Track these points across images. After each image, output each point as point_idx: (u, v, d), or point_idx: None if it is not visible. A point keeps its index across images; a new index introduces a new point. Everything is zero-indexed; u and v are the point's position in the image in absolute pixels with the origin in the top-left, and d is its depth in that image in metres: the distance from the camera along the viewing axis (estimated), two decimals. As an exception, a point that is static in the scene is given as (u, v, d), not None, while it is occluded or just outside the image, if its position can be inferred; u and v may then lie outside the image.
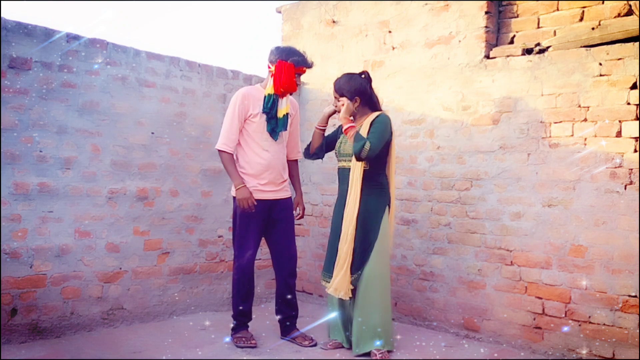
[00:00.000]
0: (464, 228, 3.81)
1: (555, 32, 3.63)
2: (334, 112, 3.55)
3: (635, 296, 3.08)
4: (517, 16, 3.83)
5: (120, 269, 3.79)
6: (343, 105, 3.39)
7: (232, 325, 3.55)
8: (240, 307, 3.49)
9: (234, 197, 3.50)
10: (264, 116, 3.44)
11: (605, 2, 3.46)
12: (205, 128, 4.26)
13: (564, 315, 3.33)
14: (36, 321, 3.38)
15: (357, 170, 3.31)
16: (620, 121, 3.18)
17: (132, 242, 3.84)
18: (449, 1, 3.95)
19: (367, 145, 3.18)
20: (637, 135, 3.11)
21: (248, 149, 3.46)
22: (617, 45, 3.22)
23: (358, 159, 3.23)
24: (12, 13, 4.75)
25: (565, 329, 3.31)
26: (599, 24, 3.41)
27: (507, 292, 3.58)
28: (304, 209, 3.77)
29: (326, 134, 3.67)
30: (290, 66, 3.38)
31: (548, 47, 3.53)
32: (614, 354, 3.14)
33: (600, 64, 3.25)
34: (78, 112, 3.57)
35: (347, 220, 3.31)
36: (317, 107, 4.69)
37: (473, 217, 3.77)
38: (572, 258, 3.32)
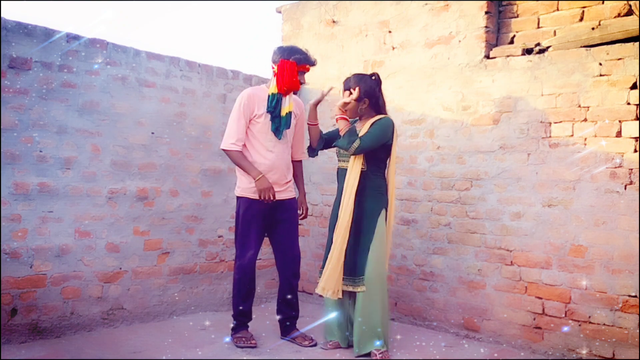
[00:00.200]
0: (464, 228, 3.81)
1: (555, 32, 3.63)
2: (320, 101, 3.52)
3: (635, 296, 3.08)
4: (517, 16, 3.83)
5: (120, 269, 3.79)
6: (350, 95, 3.38)
7: (232, 325, 3.55)
8: (241, 307, 3.49)
9: (237, 197, 3.50)
10: (269, 116, 3.44)
11: (605, 2, 3.46)
12: (205, 128, 4.26)
13: (564, 315, 3.33)
14: (36, 321, 3.38)
15: (354, 171, 3.31)
16: (620, 121, 3.18)
17: (132, 242, 3.84)
18: (449, 1, 3.95)
19: (357, 143, 3.20)
20: (637, 135, 3.12)
21: (252, 150, 3.46)
22: (617, 45, 3.22)
23: (349, 148, 3.26)
24: (12, 13, 4.75)
25: (565, 329, 3.31)
26: (599, 24, 3.41)
27: (507, 292, 3.58)
28: (307, 209, 3.78)
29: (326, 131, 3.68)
30: (292, 64, 3.38)
31: (548, 47, 3.53)
32: (614, 354, 3.14)
33: (600, 64, 3.25)
34: (78, 112, 3.57)
35: (341, 220, 3.31)
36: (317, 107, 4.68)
37: (473, 217, 3.77)
38: (572, 258, 3.32)
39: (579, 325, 3.27)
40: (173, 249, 4.08)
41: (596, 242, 3.24)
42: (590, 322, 3.23)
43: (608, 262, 3.19)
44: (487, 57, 3.78)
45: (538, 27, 3.73)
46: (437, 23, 4.01)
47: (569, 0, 3.60)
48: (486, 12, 3.79)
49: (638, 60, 3.11)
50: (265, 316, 4.09)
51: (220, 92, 4.35)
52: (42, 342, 3.35)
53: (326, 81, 4.62)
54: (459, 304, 3.80)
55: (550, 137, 3.44)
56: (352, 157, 3.32)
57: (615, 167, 3.18)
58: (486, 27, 3.79)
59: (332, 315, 3.44)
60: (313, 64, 3.51)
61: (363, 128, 3.34)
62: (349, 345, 3.45)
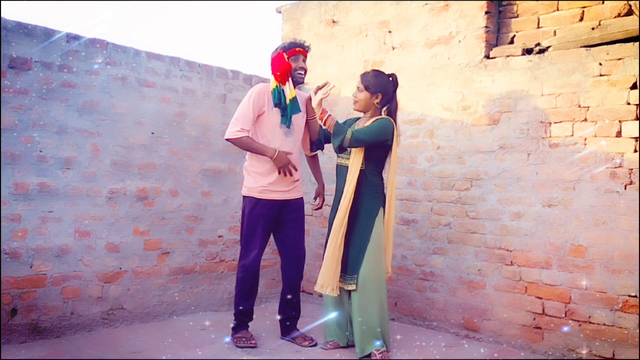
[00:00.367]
0: (464, 228, 3.81)
1: (555, 32, 3.63)
2: (321, 99, 3.45)
3: (635, 296, 3.08)
4: (517, 16, 3.83)
5: (120, 269, 3.79)
6: (360, 93, 3.39)
7: (232, 324, 3.55)
8: (242, 306, 3.49)
9: (244, 196, 3.50)
10: (276, 112, 3.44)
11: (605, 2, 3.46)
12: (205, 128, 4.26)
13: (564, 315, 3.34)
14: (36, 321, 3.38)
15: (353, 169, 3.31)
16: (620, 121, 3.18)
17: (132, 242, 3.84)
18: (449, 1, 3.95)
19: (348, 134, 3.20)
20: (637, 135, 3.12)
21: None
22: (617, 45, 3.22)
23: (340, 149, 3.26)
24: (12, 13, 4.75)
25: (565, 329, 3.31)
26: (599, 24, 3.41)
27: (507, 292, 3.58)
28: (323, 200, 3.78)
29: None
30: (279, 53, 3.43)
31: (548, 47, 3.53)
32: (614, 354, 3.14)
33: (600, 64, 3.25)
34: (78, 112, 3.57)
35: (338, 218, 3.31)
36: (317, 107, 4.68)
37: (473, 217, 3.77)
38: (572, 258, 3.32)
39: (579, 325, 3.27)
40: (173, 249, 4.08)
41: (596, 242, 3.24)
42: (590, 322, 3.23)
43: (608, 262, 3.19)
44: (487, 57, 3.78)
45: (538, 27, 3.73)
46: (437, 23, 4.01)
47: (569, 0, 3.60)
48: (486, 12, 3.79)
49: (638, 60, 3.11)
50: (265, 316, 4.10)
51: (220, 92, 4.36)
52: (42, 342, 3.35)
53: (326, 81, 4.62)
54: (459, 304, 3.80)
55: (550, 137, 3.44)
56: (353, 155, 3.32)
57: (615, 167, 3.18)
58: (486, 27, 3.79)
59: (332, 315, 3.44)
60: (301, 45, 3.51)
61: (365, 124, 3.35)
62: (349, 345, 3.45)
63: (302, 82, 3.55)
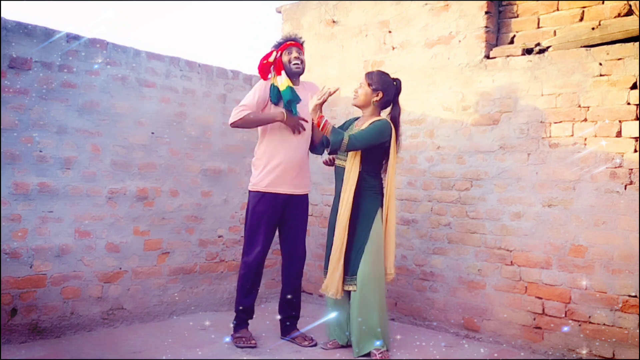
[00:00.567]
0: (464, 228, 3.81)
1: (555, 32, 3.63)
2: (324, 101, 3.39)
3: (635, 296, 3.08)
4: (517, 16, 3.83)
5: (120, 269, 3.79)
6: (361, 88, 3.39)
7: (233, 322, 3.55)
8: (242, 303, 3.49)
9: (250, 191, 3.51)
10: (279, 107, 3.45)
11: (605, 2, 3.46)
12: (205, 128, 4.26)
13: (564, 315, 3.33)
14: (36, 321, 3.38)
15: (353, 172, 3.30)
16: (620, 121, 3.18)
17: (132, 242, 3.84)
18: (449, 1, 3.95)
19: (346, 139, 3.18)
20: (637, 135, 3.12)
21: (267, 143, 3.46)
22: (617, 45, 3.22)
23: (332, 151, 3.26)
24: (12, 13, 4.75)
25: (565, 329, 3.31)
26: (599, 24, 3.41)
27: (507, 292, 3.58)
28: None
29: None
30: (268, 53, 3.47)
31: (548, 47, 3.53)
32: (614, 354, 3.14)
33: (600, 64, 3.25)
34: (78, 112, 3.57)
35: (339, 221, 3.31)
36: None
37: (473, 217, 3.77)
38: (572, 258, 3.32)
39: (579, 325, 3.27)
40: (173, 249, 4.08)
41: (596, 242, 3.23)
42: (590, 322, 3.23)
43: (608, 262, 3.19)
44: (487, 57, 3.78)
45: (538, 27, 3.73)
46: (437, 23, 4.01)
47: (569, 0, 3.60)
48: (486, 12, 3.79)
49: (638, 60, 3.11)
50: (265, 316, 4.09)
51: (220, 92, 4.36)
52: (42, 342, 3.35)
53: (326, 81, 4.62)
54: (459, 304, 3.80)
55: (550, 137, 3.44)
56: (350, 157, 3.32)
57: (615, 167, 3.18)
58: (486, 27, 3.79)
59: (333, 314, 3.45)
60: (292, 39, 3.53)
61: (362, 126, 3.35)
62: (349, 344, 3.45)
63: (301, 72, 3.55)
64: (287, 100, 3.39)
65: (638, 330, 3.06)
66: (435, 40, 4.02)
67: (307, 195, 3.62)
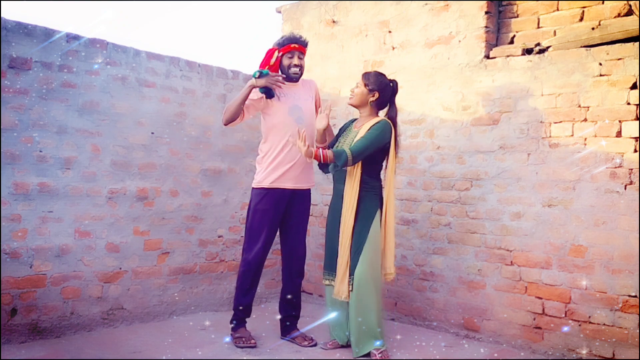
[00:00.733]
0: (464, 228, 3.81)
1: (555, 32, 3.63)
2: (327, 125, 3.45)
3: (635, 296, 3.08)
4: (517, 16, 3.83)
5: (120, 269, 3.79)
6: (357, 88, 3.41)
7: (231, 322, 3.55)
8: (240, 301, 3.50)
9: (254, 188, 3.51)
10: (281, 103, 3.45)
11: (605, 2, 3.46)
12: (205, 128, 4.26)
13: (564, 315, 3.33)
14: (36, 321, 3.38)
15: (355, 175, 3.30)
16: (620, 121, 3.18)
17: (132, 242, 3.84)
18: (449, 1, 3.95)
19: (349, 156, 3.17)
20: (637, 135, 3.11)
21: (271, 140, 3.47)
22: (617, 45, 3.22)
23: (345, 166, 3.23)
24: (12, 13, 4.75)
25: (565, 329, 3.31)
26: (599, 24, 3.41)
27: (507, 292, 3.58)
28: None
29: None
30: (271, 51, 3.42)
31: (548, 47, 3.53)
32: (614, 354, 3.14)
33: (600, 64, 3.25)
34: (78, 112, 3.57)
35: (345, 226, 3.31)
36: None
37: (473, 217, 3.77)
38: (572, 258, 3.32)
39: (579, 325, 3.27)
40: (173, 249, 4.08)
41: (596, 242, 3.23)
42: (590, 322, 3.23)
43: (608, 262, 3.19)
44: (487, 57, 3.78)
45: (538, 27, 3.73)
46: (437, 23, 4.01)
47: (569, 0, 3.60)
48: (486, 12, 3.79)
49: (638, 60, 3.11)
50: (265, 316, 4.10)
51: (220, 92, 4.35)
52: (42, 342, 3.35)
53: (326, 81, 4.63)
54: (459, 304, 3.80)
55: (550, 137, 3.44)
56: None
57: (615, 167, 3.18)
58: (486, 27, 3.79)
59: (332, 314, 3.45)
60: (296, 40, 3.47)
61: (362, 130, 3.34)
62: (348, 344, 3.45)
63: (297, 80, 3.54)
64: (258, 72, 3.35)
65: (638, 330, 3.06)
66: (435, 40, 4.02)
67: (310, 190, 3.62)
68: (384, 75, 3.47)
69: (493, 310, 3.64)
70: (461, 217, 3.82)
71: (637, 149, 3.12)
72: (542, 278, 3.43)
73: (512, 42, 3.82)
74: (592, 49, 3.31)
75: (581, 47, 3.37)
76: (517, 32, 3.82)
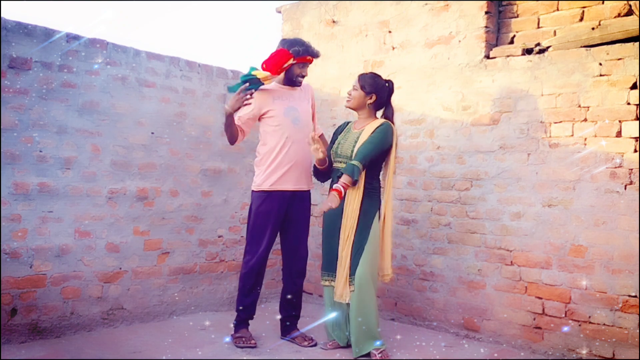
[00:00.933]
0: (464, 228, 3.81)
1: (555, 32, 3.63)
2: (323, 157, 3.37)
3: (635, 296, 3.08)
4: (517, 16, 3.83)
5: (120, 269, 3.79)
6: (354, 91, 3.40)
7: (233, 322, 3.55)
8: (242, 303, 3.50)
9: (253, 191, 3.52)
10: (279, 103, 3.45)
11: (605, 2, 3.46)
12: (205, 128, 4.26)
13: (564, 315, 3.33)
14: (36, 321, 3.38)
15: (360, 178, 3.29)
16: (620, 121, 3.18)
17: (132, 242, 3.84)
18: (449, 1, 3.95)
19: (359, 165, 3.17)
20: (637, 135, 3.11)
21: (269, 142, 3.46)
22: (617, 45, 3.22)
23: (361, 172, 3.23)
24: (12, 13, 4.75)
25: (565, 329, 3.31)
26: (599, 24, 3.41)
27: (507, 292, 3.58)
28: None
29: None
30: (286, 54, 3.37)
31: (548, 47, 3.53)
32: (614, 354, 3.14)
33: (600, 64, 3.25)
34: (78, 112, 3.57)
35: (346, 228, 3.30)
36: (317, 106, 4.67)
37: (473, 217, 3.77)
38: (572, 258, 3.32)
39: (579, 325, 3.27)
40: (173, 249, 4.08)
41: (596, 242, 3.23)
42: (590, 322, 3.23)
43: (608, 262, 3.19)
44: (487, 57, 3.78)
45: (538, 27, 3.73)
46: (437, 23, 4.01)
47: (569, 0, 3.60)
48: (486, 12, 3.79)
49: (638, 60, 3.11)
50: (265, 316, 4.09)
51: (220, 92, 4.35)
52: (42, 342, 3.35)
53: (326, 81, 4.63)
54: (459, 304, 3.80)
55: (550, 137, 3.44)
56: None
57: (615, 167, 3.18)
58: (486, 27, 3.79)
59: (332, 315, 3.45)
60: (314, 55, 3.51)
61: (365, 132, 3.33)
62: (348, 345, 3.45)
63: (299, 86, 3.58)
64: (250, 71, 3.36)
65: (638, 330, 3.06)
66: (435, 40, 4.02)
67: (309, 191, 3.62)
68: (379, 76, 3.47)
69: (493, 310, 3.64)
70: (461, 217, 3.82)
71: (637, 149, 3.12)
72: (542, 278, 3.43)
73: (512, 42, 3.82)
74: (592, 49, 3.31)
75: (581, 47, 3.37)
76: (517, 32, 3.82)
